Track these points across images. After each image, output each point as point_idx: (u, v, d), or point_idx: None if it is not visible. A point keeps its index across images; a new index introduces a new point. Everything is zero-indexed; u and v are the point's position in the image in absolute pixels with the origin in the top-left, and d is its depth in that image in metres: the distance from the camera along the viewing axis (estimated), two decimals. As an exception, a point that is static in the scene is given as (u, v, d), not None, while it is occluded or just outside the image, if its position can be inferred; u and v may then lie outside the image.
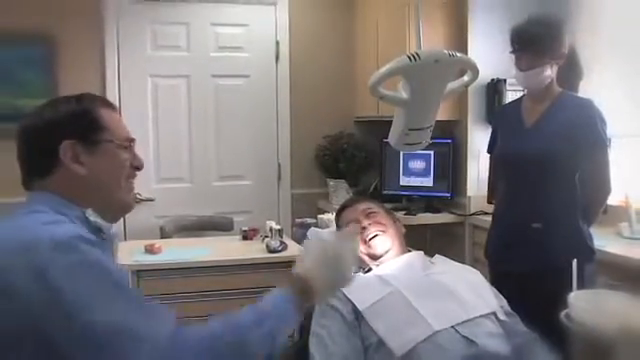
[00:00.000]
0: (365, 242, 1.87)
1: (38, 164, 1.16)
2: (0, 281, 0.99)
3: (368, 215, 1.93)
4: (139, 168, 1.26)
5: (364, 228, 1.87)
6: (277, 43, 3.97)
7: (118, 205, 1.22)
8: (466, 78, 1.23)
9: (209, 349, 1.03)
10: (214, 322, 1.08)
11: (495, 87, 3.17)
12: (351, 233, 1.23)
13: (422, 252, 1.95)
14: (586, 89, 2.40)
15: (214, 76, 3.91)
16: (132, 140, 1.25)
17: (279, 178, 4.04)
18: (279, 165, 4.04)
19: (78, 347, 0.98)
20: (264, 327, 1.08)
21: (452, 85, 1.21)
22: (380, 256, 1.87)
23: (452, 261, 1.94)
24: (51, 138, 1.14)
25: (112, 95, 3.59)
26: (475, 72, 1.21)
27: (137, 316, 1.00)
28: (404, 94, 1.17)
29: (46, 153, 1.14)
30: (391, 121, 1.24)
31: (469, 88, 3.14)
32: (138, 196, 3.45)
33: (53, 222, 1.06)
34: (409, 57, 1.11)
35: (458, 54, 1.15)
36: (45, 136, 1.16)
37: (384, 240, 1.88)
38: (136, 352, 0.97)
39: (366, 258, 1.88)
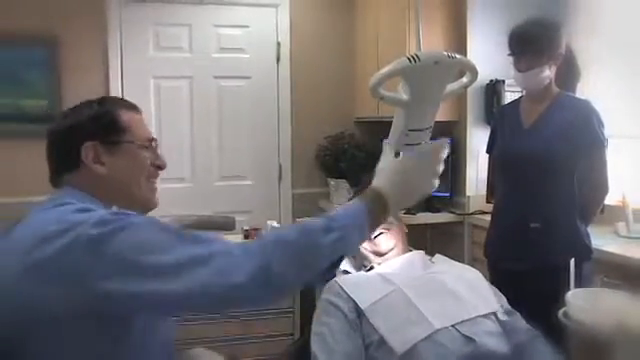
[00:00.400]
0: (370, 239, 1.88)
1: (63, 164, 1.22)
2: (51, 268, 1.01)
3: None
4: (161, 167, 1.30)
5: None
6: (278, 44, 3.97)
7: (139, 203, 1.25)
8: (465, 79, 1.23)
9: (275, 247, 1.03)
10: (282, 228, 1.09)
11: (494, 88, 3.17)
12: (434, 149, 1.17)
13: (423, 252, 1.95)
14: (583, 90, 2.40)
15: (216, 77, 3.91)
16: (152, 140, 1.29)
17: (280, 178, 4.04)
18: (280, 165, 4.04)
19: (153, 301, 1.02)
20: (333, 233, 1.06)
21: (451, 86, 1.21)
22: (384, 253, 1.88)
23: (452, 260, 1.95)
24: (73, 140, 1.20)
25: (115, 96, 3.59)
26: (474, 74, 1.20)
27: (197, 244, 1.04)
28: (404, 95, 1.17)
29: (70, 154, 1.20)
30: (391, 121, 1.24)
31: (468, 89, 3.14)
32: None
33: (85, 210, 1.09)
34: (409, 59, 1.11)
35: (457, 56, 1.15)
36: (68, 138, 1.21)
37: (388, 238, 1.89)
38: (210, 269, 1.00)
39: (370, 255, 1.89)
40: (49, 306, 1.01)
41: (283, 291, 1.07)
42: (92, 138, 1.20)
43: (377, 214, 1.14)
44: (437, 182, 1.19)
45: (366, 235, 1.14)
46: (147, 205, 1.27)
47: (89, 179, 1.20)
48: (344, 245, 1.09)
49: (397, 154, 1.18)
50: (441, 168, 1.19)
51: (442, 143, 1.19)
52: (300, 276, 1.07)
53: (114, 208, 1.19)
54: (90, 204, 1.14)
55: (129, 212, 1.11)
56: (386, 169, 1.19)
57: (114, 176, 1.21)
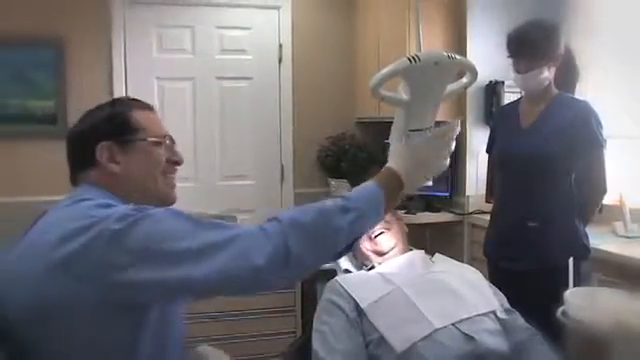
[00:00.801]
0: (370, 239, 1.89)
1: (80, 164, 1.24)
2: (75, 265, 1.02)
3: None
4: (178, 163, 1.33)
5: None
6: (280, 46, 3.97)
7: (156, 198, 1.26)
8: (465, 80, 1.23)
9: (293, 230, 1.05)
10: (299, 210, 1.11)
11: (493, 89, 3.17)
12: (444, 132, 1.18)
13: (423, 251, 1.95)
14: (582, 90, 2.40)
15: (218, 78, 3.90)
16: (166, 137, 1.30)
17: (282, 178, 4.04)
18: (282, 165, 4.03)
19: (172, 287, 1.03)
20: (350, 214, 1.08)
21: (451, 87, 1.21)
22: (385, 253, 1.87)
23: (452, 260, 1.95)
24: (88, 141, 1.22)
25: (119, 97, 3.58)
26: (474, 74, 1.20)
27: (215, 230, 1.06)
28: (404, 95, 1.17)
29: (86, 154, 1.22)
30: (391, 122, 1.24)
31: (468, 90, 3.13)
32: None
33: (105, 205, 1.11)
34: (409, 59, 1.11)
35: (457, 56, 1.15)
36: (83, 140, 1.24)
37: (389, 237, 1.89)
38: (230, 253, 1.02)
39: (371, 255, 1.89)
40: (72, 301, 1.03)
41: (302, 272, 1.09)
42: (106, 138, 1.22)
43: (392, 192, 1.15)
44: (448, 161, 1.21)
45: (382, 214, 1.15)
46: (165, 200, 1.28)
47: (105, 177, 1.22)
48: (361, 225, 1.11)
49: (408, 137, 1.18)
50: (452, 147, 1.20)
51: (452, 126, 1.19)
52: (318, 257, 1.09)
53: (131, 204, 1.20)
54: (109, 200, 1.15)
55: (149, 206, 1.12)
56: (398, 150, 1.20)
57: (129, 174, 1.23)
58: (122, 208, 1.09)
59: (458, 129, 1.20)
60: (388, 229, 1.90)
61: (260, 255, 1.02)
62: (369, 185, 1.15)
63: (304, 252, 1.04)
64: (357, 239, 1.13)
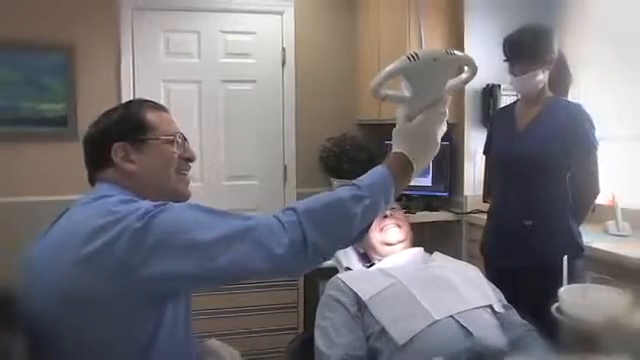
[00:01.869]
0: (382, 230, 1.88)
1: (97, 164, 1.25)
2: (100, 261, 1.03)
3: (390, 209, 1.94)
4: (190, 159, 1.32)
5: (385, 217, 1.89)
6: (283, 50, 3.97)
7: (170, 195, 1.25)
8: (465, 75, 1.22)
9: (309, 219, 1.06)
10: (314, 200, 1.11)
11: (490, 92, 3.17)
12: (438, 111, 1.18)
13: (422, 249, 1.95)
14: (575, 93, 2.39)
15: (224, 81, 3.91)
16: (177, 134, 1.30)
17: (285, 178, 4.04)
18: (285, 165, 4.04)
19: (196, 279, 1.05)
20: (363, 201, 1.09)
21: (451, 82, 1.20)
22: (392, 244, 1.87)
23: (451, 258, 1.95)
24: (104, 142, 1.24)
25: (127, 99, 3.59)
26: (473, 69, 1.19)
27: (234, 220, 1.07)
28: (406, 93, 1.17)
29: (102, 155, 1.23)
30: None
31: (466, 93, 3.15)
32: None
33: (127, 201, 1.12)
34: (408, 57, 1.11)
35: (456, 52, 1.15)
36: (99, 141, 1.25)
37: (398, 232, 1.89)
38: (249, 243, 1.03)
39: (378, 245, 1.88)
40: (95, 296, 1.03)
41: (318, 260, 1.10)
42: (121, 139, 1.23)
43: (402, 176, 1.16)
44: (445, 128, 1.21)
45: (392, 200, 1.16)
46: (179, 196, 1.28)
47: (121, 176, 1.23)
48: (373, 211, 1.12)
49: (409, 118, 1.19)
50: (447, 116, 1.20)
51: (442, 108, 1.20)
52: (334, 245, 1.11)
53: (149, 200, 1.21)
54: (129, 196, 1.16)
55: (169, 202, 1.12)
56: (401, 132, 1.20)
57: (143, 172, 1.24)
58: (145, 204, 1.09)
59: (449, 97, 1.20)
60: (400, 226, 1.91)
61: (278, 245, 1.03)
62: (380, 171, 1.15)
63: (320, 241, 1.05)
64: (370, 225, 1.14)
